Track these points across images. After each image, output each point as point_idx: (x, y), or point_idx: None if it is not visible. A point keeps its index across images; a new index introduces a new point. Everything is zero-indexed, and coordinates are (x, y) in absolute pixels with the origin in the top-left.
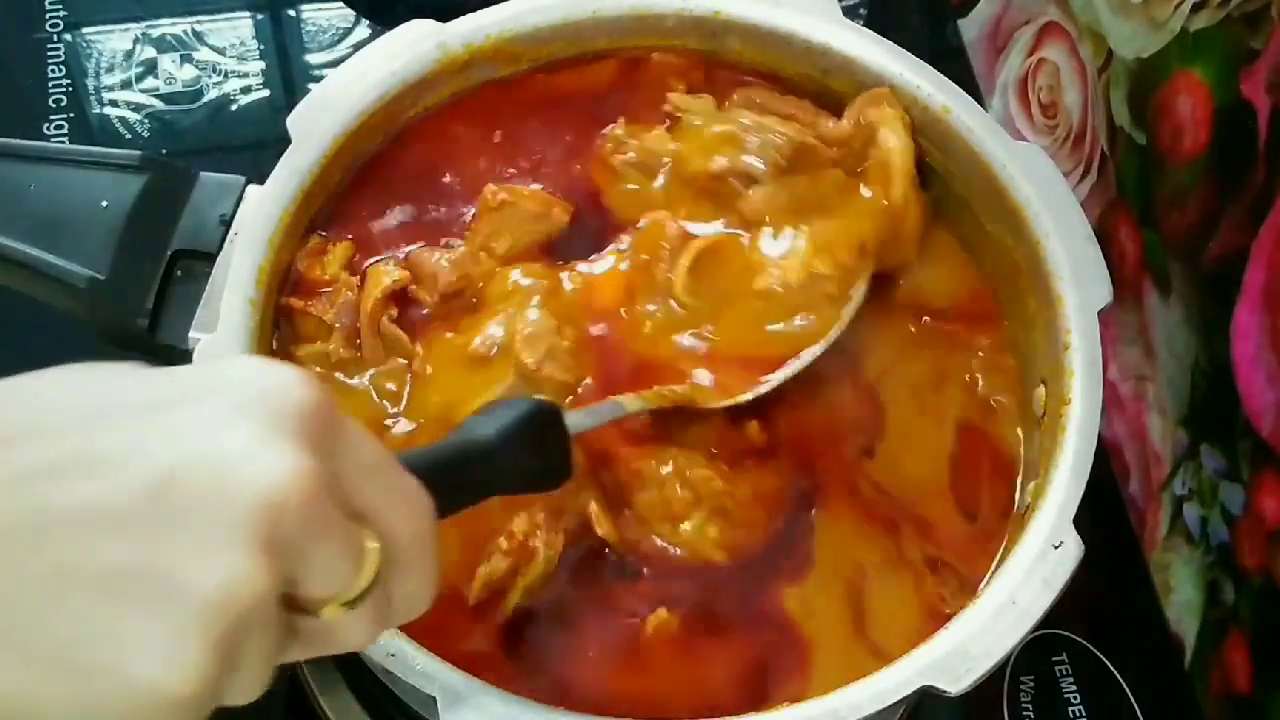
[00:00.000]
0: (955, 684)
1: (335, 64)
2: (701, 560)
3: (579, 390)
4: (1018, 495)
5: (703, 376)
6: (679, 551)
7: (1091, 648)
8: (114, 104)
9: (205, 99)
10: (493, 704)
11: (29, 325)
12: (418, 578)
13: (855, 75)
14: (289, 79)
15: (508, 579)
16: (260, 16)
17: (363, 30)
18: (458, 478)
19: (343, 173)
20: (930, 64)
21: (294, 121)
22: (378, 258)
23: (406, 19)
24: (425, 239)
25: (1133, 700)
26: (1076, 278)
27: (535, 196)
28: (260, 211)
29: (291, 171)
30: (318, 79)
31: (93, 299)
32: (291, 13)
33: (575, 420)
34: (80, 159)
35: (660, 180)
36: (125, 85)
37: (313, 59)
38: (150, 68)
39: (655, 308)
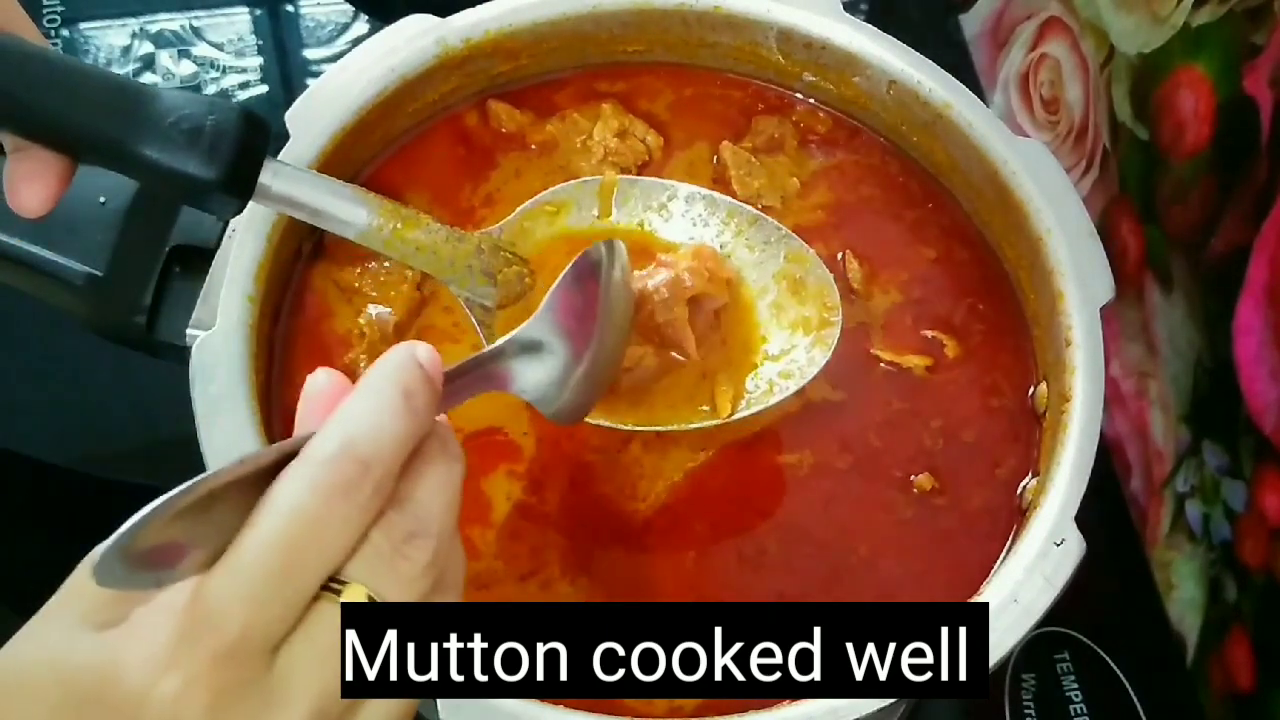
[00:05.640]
0: None
1: (334, 59)
2: None
3: None
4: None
5: None
6: None
7: (1093, 645)
8: None
9: (203, 95)
10: (494, 702)
11: (28, 322)
12: None
13: (856, 71)
14: (287, 74)
15: None
16: (258, 12)
17: (361, 25)
18: None
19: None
20: (931, 59)
21: (292, 117)
22: None
23: (405, 14)
24: None
25: (1134, 698)
26: (1078, 274)
27: None
28: (259, 207)
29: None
30: (316, 74)
31: (91, 296)
32: (290, 8)
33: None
34: None
35: None
36: None
37: (311, 54)
38: (148, 63)
39: None
